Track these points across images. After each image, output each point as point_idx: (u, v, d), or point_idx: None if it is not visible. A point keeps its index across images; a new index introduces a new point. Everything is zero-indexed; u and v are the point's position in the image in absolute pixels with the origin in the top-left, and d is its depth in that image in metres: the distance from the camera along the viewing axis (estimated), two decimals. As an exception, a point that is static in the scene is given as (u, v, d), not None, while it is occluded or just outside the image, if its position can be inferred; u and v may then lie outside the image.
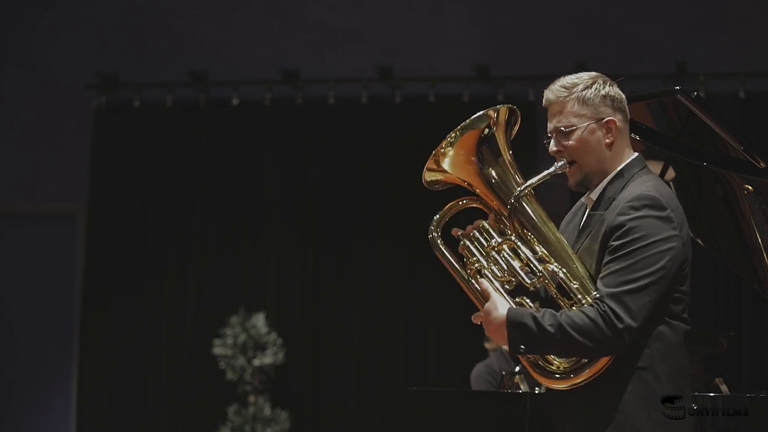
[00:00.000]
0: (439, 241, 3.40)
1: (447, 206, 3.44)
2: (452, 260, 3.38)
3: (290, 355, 8.50)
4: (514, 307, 3.27)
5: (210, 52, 8.86)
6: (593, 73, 3.41)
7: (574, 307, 3.24)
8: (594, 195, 3.36)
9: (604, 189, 3.33)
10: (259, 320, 8.41)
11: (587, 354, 3.20)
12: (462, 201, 3.45)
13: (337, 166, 8.69)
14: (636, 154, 3.39)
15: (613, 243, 3.20)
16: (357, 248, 8.59)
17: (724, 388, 4.93)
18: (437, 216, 3.44)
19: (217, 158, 8.82)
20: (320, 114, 8.72)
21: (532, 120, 7.47)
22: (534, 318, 3.20)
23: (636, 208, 3.20)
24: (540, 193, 3.41)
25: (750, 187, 4.20)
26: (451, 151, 3.38)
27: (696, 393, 4.46)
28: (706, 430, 4.14)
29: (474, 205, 3.44)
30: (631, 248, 3.18)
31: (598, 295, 3.19)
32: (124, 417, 8.69)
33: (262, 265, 8.70)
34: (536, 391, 4.95)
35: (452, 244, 3.44)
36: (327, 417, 8.53)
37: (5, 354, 9.09)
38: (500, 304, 3.26)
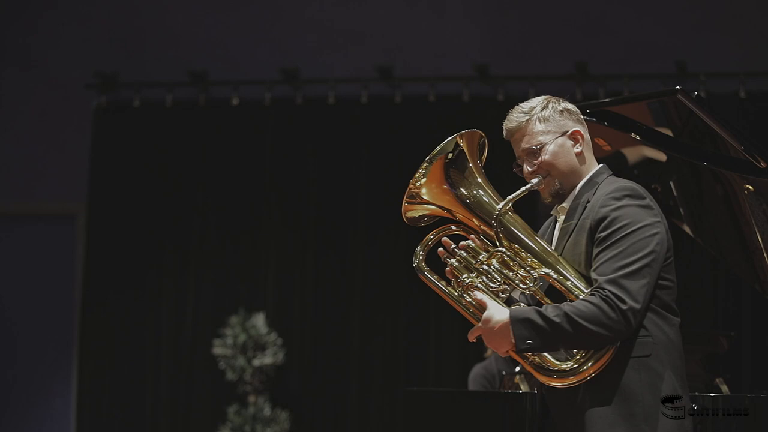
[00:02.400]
0: (424, 266, 3.50)
1: (428, 236, 3.53)
2: (439, 284, 3.47)
3: (290, 355, 8.50)
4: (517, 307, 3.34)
5: (210, 52, 8.86)
6: (544, 96, 3.55)
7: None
8: (567, 203, 3.48)
9: (576, 195, 3.46)
10: (259, 320, 8.41)
11: (596, 342, 3.24)
12: (443, 229, 3.53)
13: (337, 166, 8.69)
14: (601, 164, 3.53)
15: (600, 234, 3.31)
16: (357, 248, 8.59)
17: (724, 388, 4.93)
18: (420, 245, 3.53)
19: (217, 158, 8.82)
20: (320, 114, 8.72)
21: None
22: (538, 312, 3.25)
23: (617, 198, 3.33)
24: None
25: (750, 187, 4.20)
26: (424, 182, 3.50)
27: (696, 393, 4.46)
28: (706, 430, 4.14)
29: (458, 233, 3.53)
30: (620, 236, 3.28)
31: (596, 285, 3.26)
32: (124, 417, 8.68)
33: (262, 265, 8.70)
34: (536, 392, 4.95)
35: (438, 270, 3.53)
36: (327, 417, 8.53)
37: (5, 354, 9.09)
38: (499, 310, 3.32)
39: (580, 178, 3.47)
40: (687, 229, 4.77)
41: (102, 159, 8.88)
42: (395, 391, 8.30)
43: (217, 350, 8.39)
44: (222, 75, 8.79)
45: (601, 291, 3.23)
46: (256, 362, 8.31)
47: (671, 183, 4.67)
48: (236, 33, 8.90)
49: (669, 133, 4.39)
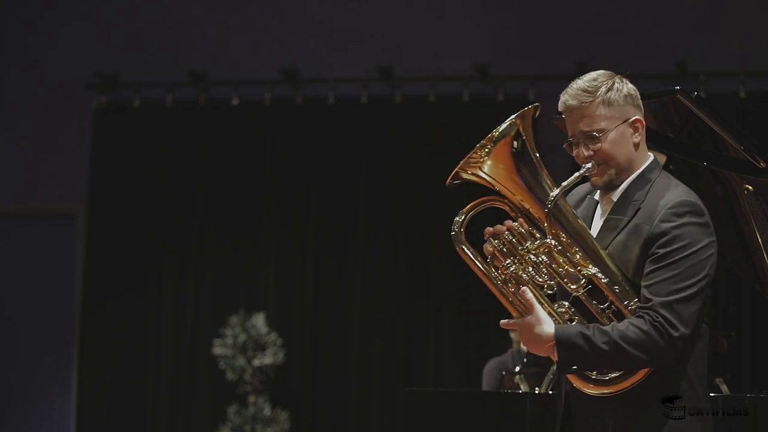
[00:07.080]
0: (464, 239, 3.26)
1: (471, 204, 3.31)
2: (480, 261, 3.27)
3: (290, 355, 8.50)
4: (561, 323, 3.20)
5: (210, 52, 8.86)
6: (605, 72, 3.34)
7: (608, 312, 3.21)
8: (615, 196, 3.34)
9: (627, 189, 3.32)
10: (259, 320, 8.41)
11: (637, 366, 3.17)
12: (489, 200, 3.32)
13: (337, 166, 8.69)
14: (652, 155, 3.38)
15: (658, 251, 3.19)
16: (357, 248, 8.59)
17: (724, 388, 4.93)
18: (461, 213, 3.29)
19: (217, 158, 8.82)
20: (320, 114, 8.72)
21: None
22: (584, 337, 3.15)
23: (679, 215, 3.21)
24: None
25: (750, 187, 4.19)
26: (486, 159, 3.26)
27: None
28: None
29: (498, 206, 3.33)
30: (678, 257, 3.18)
31: (648, 304, 3.16)
32: (124, 417, 8.68)
33: (262, 265, 8.70)
34: (536, 391, 4.95)
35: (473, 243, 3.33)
36: (327, 417, 8.53)
37: (5, 354, 9.09)
38: (545, 320, 3.17)
39: (633, 171, 3.31)
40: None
41: (102, 159, 8.88)
42: (395, 391, 8.30)
43: (217, 350, 8.39)
44: (222, 75, 8.79)
45: (653, 315, 3.14)
46: (256, 362, 8.31)
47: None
48: (236, 33, 8.90)
49: (669, 133, 4.39)
